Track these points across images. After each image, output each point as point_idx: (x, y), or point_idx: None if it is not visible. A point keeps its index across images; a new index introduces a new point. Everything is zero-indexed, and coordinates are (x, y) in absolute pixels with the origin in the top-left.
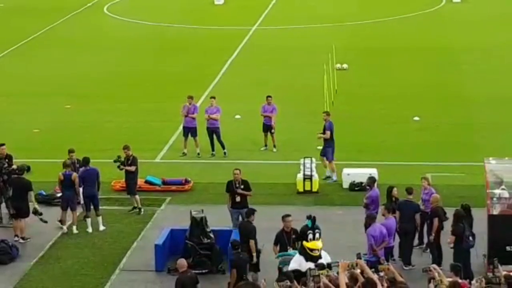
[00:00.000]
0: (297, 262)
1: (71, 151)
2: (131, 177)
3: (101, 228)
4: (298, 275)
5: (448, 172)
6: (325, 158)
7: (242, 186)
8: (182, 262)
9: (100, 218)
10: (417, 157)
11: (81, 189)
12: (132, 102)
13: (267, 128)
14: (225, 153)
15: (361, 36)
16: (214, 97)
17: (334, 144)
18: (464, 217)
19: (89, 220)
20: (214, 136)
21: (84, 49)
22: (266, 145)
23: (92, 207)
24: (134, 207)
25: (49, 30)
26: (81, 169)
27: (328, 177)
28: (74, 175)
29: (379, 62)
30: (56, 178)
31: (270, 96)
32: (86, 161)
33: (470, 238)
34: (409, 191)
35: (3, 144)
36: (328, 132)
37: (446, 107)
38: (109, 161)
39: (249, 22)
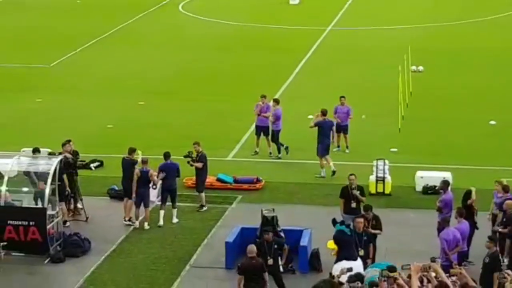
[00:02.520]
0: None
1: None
2: (199, 173)
3: (175, 220)
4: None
5: None
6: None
7: (357, 192)
8: (252, 248)
9: (175, 211)
10: (493, 161)
11: (159, 183)
12: (205, 100)
13: (341, 128)
14: (270, 153)
15: (437, 38)
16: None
17: (327, 141)
18: None
19: (162, 213)
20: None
21: (159, 46)
22: (338, 146)
23: (170, 201)
24: (202, 205)
25: (124, 27)
26: (161, 163)
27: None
28: (151, 171)
29: (455, 64)
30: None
31: (343, 97)
32: (167, 155)
33: None
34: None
35: (69, 141)
36: (315, 128)
37: None
38: (180, 157)
39: (324, 22)
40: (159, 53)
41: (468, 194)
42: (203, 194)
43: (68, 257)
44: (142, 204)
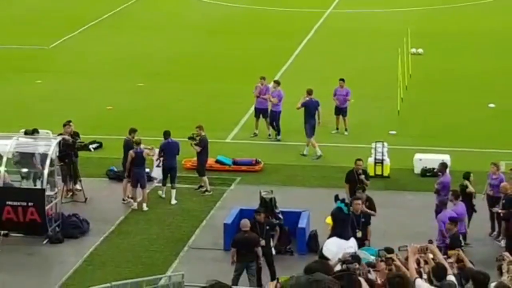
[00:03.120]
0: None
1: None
2: (199, 157)
3: (173, 201)
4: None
5: None
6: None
7: (363, 176)
8: (245, 222)
9: (174, 192)
10: (491, 144)
11: (156, 163)
12: (205, 82)
13: (340, 111)
14: (269, 134)
15: (437, 21)
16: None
17: (313, 121)
18: None
19: (164, 188)
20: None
21: (157, 29)
22: (337, 128)
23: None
24: (201, 186)
25: (123, 9)
26: (162, 142)
27: (304, 155)
28: (146, 151)
29: (455, 47)
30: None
31: (342, 79)
32: (167, 133)
33: None
34: None
35: (69, 122)
36: (302, 108)
37: None
38: (180, 139)
39: (325, 5)
40: (158, 36)
41: (466, 177)
42: (205, 178)
43: (67, 238)
44: (139, 185)
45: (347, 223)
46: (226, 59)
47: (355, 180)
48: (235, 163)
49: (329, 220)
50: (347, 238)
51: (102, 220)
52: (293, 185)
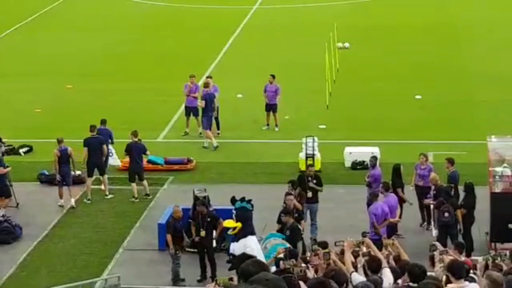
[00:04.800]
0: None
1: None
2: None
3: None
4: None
5: (450, 150)
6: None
7: (314, 181)
8: (176, 208)
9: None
10: (419, 135)
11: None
12: (134, 82)
13: (270, 107)
14: (218, 133)
15: (363, 15)
16: (211, 77)
17: (210, 113)
18: (445, 192)
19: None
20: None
21: (85, 28)
22: (268, 124)
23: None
24: (147, 194)
25: (51, 9)
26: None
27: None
28: (70, 149)
29: (381, 40)
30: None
31: (272, 76)
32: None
33: (446, 214)
34: (451, 161)
35: None
36: (203, 102)
37: (448, 85)
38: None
39: (250, 1)
40: (85, 35)
41: (397, 169)
42: (145, 182)
43: (0, 244)
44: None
45: (251, 220)
46: (154, 57)
47: (305, 185)
48: (167, 162)
49: (229, 223)
50: (255, 233)
51: (35, 224)
52: (226, 182)
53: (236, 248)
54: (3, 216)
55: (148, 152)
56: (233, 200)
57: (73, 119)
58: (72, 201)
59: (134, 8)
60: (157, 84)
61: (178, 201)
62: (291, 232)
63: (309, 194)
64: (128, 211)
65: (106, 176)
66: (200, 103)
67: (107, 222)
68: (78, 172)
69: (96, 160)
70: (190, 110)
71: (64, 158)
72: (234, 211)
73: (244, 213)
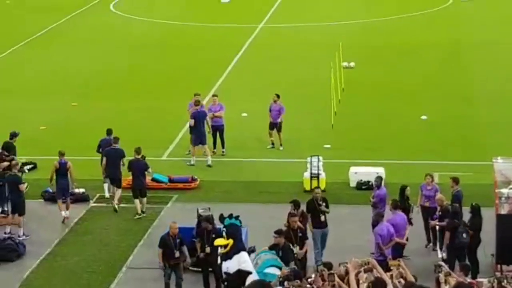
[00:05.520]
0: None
1: None
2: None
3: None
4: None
5: (456, 171)
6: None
7: (324, 204)
8: (173, 224)
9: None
10: (425, 156)
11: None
12: (139, 100)
13: (274, 125)
14: (223, 152)
15: (368, 34)
16: (216, 95)
17: (198, 132)
18: (458, 213)
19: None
20: (218, 134)
21: (90, 47)
22: (273, 144)
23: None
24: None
25: (55, 27)
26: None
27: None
28: (70, 164)
29: (386, 60)
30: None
31: (277, 95)
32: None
33: (464, 235)
34: (456, 181)
35: None
36: (192, 121)
37: (454, 106)
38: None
39: (256, 20)
40: (91, 54)
41: (402, 190)
42: (144, 200)
43: (3, 262)
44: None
45: (241, 236)
46: (159, 75)
47: (315, 209)
48: (171, 180)
49: (221, 241)
50: (245, 250)
51: (39, 242)
52: (230, 201)
53: (230, 265)
54: (9, 233)
55: (150, 170)
56: (222, 218)
57: (77, 136)
58: (67, 213)
59: (139, 26)
60: (162, 102)
61: (182, 219)
62: (283, 253)
63: (322, 218)
64: (132, 229)
65: (120, 190)
66: (190, 122)
67: (111, 240)
68: (76, 190)
69: (114, 171)
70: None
71: (62, 171)
72: (223, 229)
73: (234, 230)
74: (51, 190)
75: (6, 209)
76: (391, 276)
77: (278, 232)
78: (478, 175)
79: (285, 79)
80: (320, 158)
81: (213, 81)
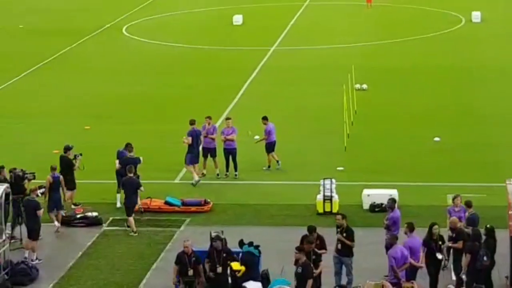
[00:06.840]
0: None
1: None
2: None
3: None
4: None
5: (469, 193)
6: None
7: (344, 234)
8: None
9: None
10: (438, 177)
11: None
12: (151, 123)
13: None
14: (236, 175)
15: (381, 56)
16: (230, 118)
17: (194, 151)
18: (480, 236)
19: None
20: (230, 157)
21: (103, 70)
22: (269, 166)
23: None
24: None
25: (68, 51)
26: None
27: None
28: (61, 177)
29: (399, 82)
30: (78, 198)
31: (265, 117)
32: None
33: (485, 258)
34: (468, 204)
35: (2, 167)
36: (189, 138)
37: (466, 127)
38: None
39: (268, 43)
40: (104, 77)
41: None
42: (130, 218)
43: (16, 286)
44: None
45: (258, 265)
46: (172, 99)
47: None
48: (184, 203)
49: (236, 266)
50: (260, 279)
51: (52, 266)
52: (243, 224)
53: None
54: (25, 258)
55: (142, 188)
56: (241, 243)
57: (90, 160)
58: (59, 224)
59: (151, 49)
60: (175, 125)
61: (195, 243)
62: (302, 269)
63: (339, 246)
64: (145, 253)
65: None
66: (186, 140)
67: (124, 263)
68: (89, 214)
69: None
70: (208, 152)
71: (55, 185)
72: (240, 254)
73: (249, 258)
74: (63, 214)
75: (14, 234)
76: None
77: (300, 249)
78: (492, 197)
79: (298, 102)
80: (333, 180)
81: (226, 104)
